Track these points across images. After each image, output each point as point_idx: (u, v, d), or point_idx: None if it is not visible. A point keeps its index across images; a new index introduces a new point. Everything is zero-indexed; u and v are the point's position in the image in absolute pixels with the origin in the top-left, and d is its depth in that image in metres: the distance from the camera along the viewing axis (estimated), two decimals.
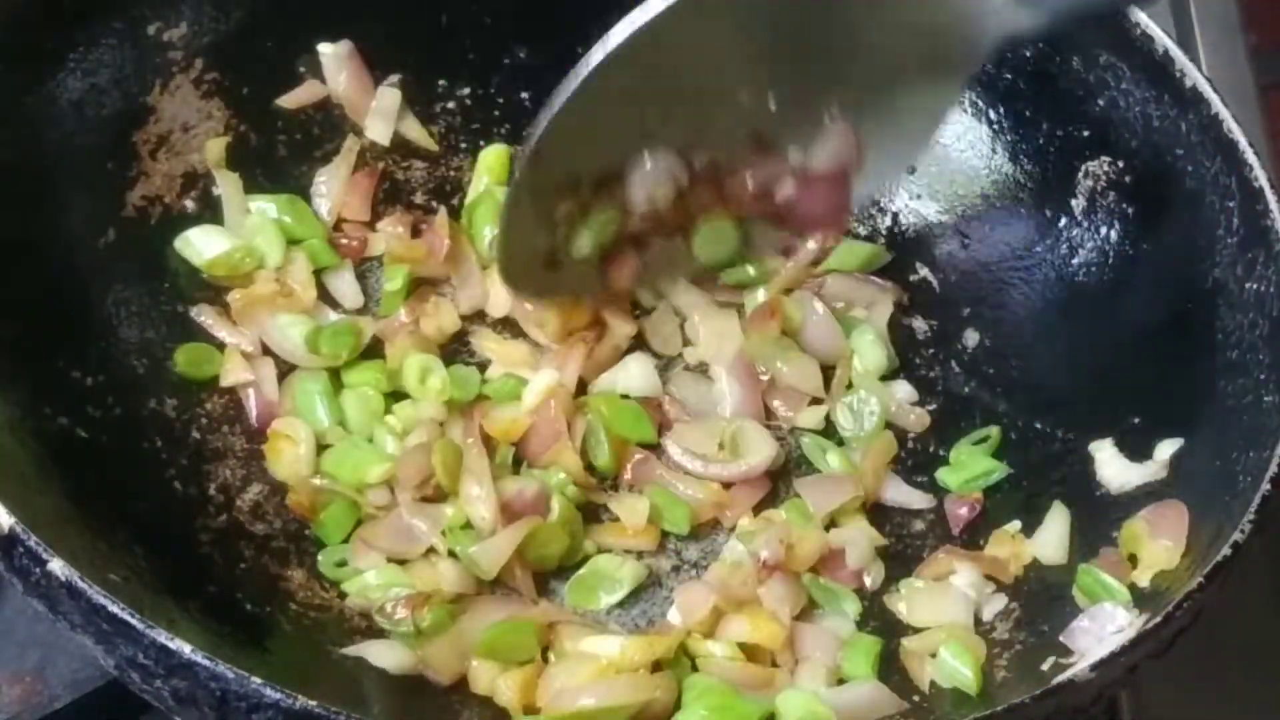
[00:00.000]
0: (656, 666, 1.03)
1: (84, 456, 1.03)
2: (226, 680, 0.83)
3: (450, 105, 1.29)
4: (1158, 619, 0.91)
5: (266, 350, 1.17)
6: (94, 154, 1.14)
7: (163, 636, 0.83)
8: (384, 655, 1.01)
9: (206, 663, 0.83)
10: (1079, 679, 0.89)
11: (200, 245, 1.18)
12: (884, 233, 1.30)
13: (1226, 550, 0.94)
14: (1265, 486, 0.97)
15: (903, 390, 1.23)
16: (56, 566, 0.85)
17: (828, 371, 1.22)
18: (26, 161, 1.09)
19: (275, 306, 1.17)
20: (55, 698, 1.07)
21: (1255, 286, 1.08)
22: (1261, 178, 1.09)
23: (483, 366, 1.17)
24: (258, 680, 0.83)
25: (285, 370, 1.16)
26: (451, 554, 1.07)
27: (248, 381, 1.14)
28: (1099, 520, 1.10)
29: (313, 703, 0.82)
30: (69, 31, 1.13)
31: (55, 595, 0.86)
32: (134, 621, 0.84)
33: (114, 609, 0.84)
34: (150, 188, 1.17)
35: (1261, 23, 1.62)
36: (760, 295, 1.24)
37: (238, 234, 1.20)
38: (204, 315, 1.16)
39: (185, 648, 0.83)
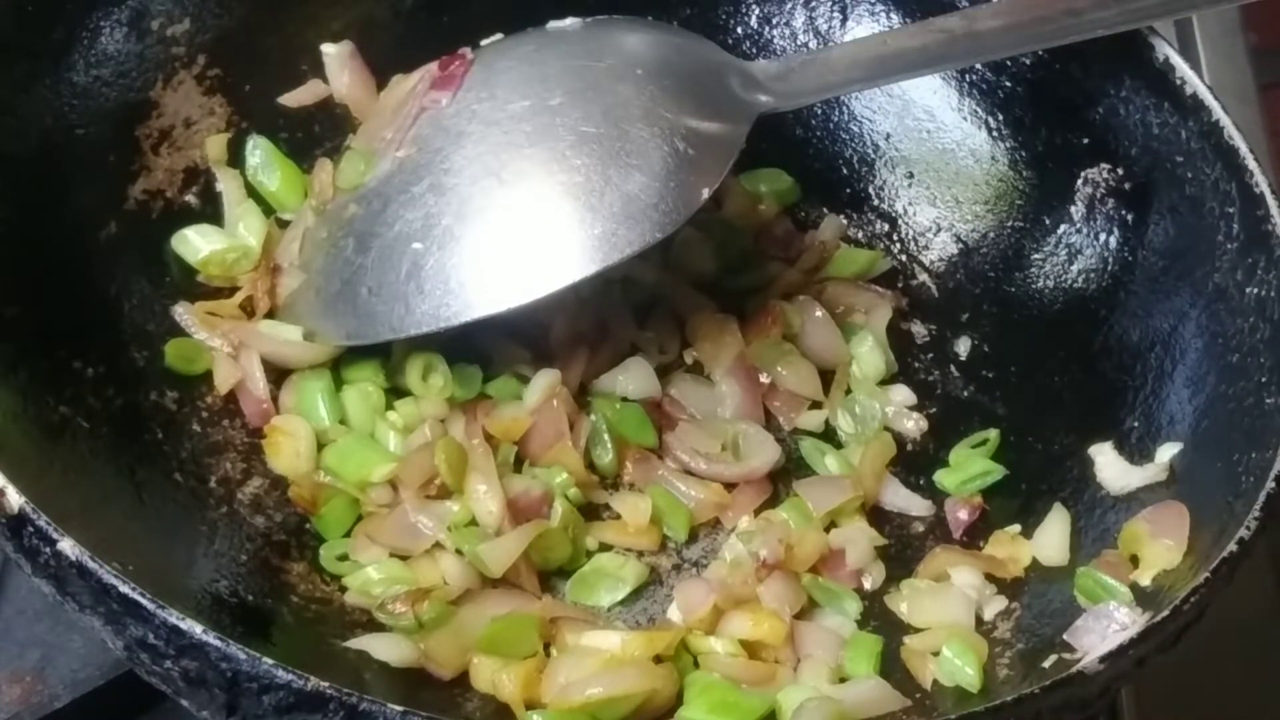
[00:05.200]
0: (658, 662, 1.02)
1: (85, 446, 1.02)
2: (238, 661, 0.82)
3: None
4: (1165, 612, 0.91)
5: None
6: (96, 147, 1.14)
7: (173, 616, 0.83)
8: (386, 649, 1.00)
9: (218, 643, 0.82)
10: (1088, 671, 0.89)
11: (196, 244, 1.18)
12: (883, 238, 1.31)
13: (1233, 546, 0.94)
14: (1270, 484, 0.97)
15: (902, 394, 1.23)
16: (66, 546, 0.85)
17: (827, 376, 1.22)
18: (29, 152, 1.09)
19: (249, 316, 1.17)
20: (55, 698, 1.07)
21: (1256, 291, 1.09)
22: (1262, 183, 1.10)
23: (484, 364, 1.17)
24: (269, 661, 0.82)
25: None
26: (456, 550, 1.07)
27: (238, 382, 1.14)
28: (1100, 522, 1.11)
29: (325, 684, 0.82)
30: (73, 24, 1.13)
31: (64, 575, 0.85)
32: (144, 601, 0.83)
33: (124, 589, 0.83)
34: (152, 182, 1.17)
35: (1261, 23, 1.64)
36: (760, 300, 1.25)
37: (236, 232, 1.19)
38: (184, 314, 1.15)
39: (196, 628, 0.83)
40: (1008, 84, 1.26)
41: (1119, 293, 1.19)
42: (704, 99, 1.16)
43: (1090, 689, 0.90)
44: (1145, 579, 1.03)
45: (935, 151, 1.30)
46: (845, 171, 1.33)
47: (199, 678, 0.84)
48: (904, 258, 1.30)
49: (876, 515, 1.17)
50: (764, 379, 1.21)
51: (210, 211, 1.20)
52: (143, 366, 1.11)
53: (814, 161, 1.34)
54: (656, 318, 1.24)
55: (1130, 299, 1.18)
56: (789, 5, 1.34)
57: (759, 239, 1.30)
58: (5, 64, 1.08)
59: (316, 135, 1.25)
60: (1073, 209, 1.23)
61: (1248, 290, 1.09)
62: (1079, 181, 1.22)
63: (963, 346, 1.26)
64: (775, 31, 1.34)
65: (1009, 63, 1.25)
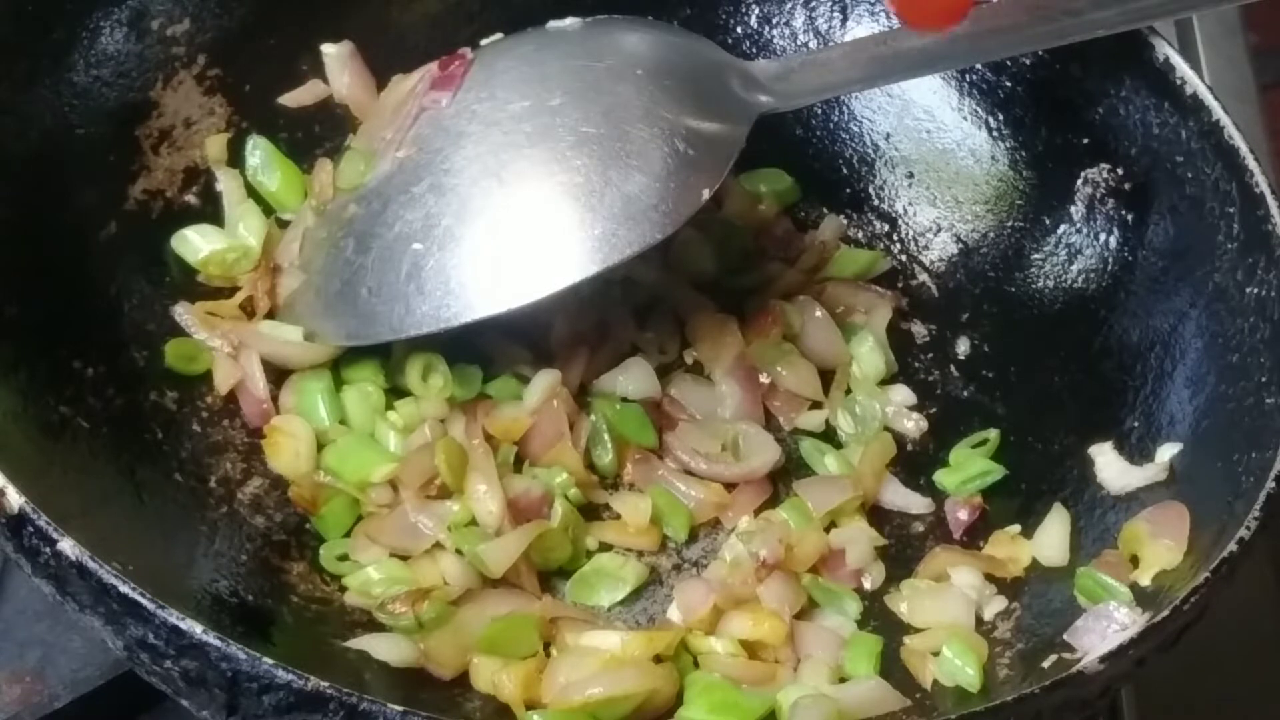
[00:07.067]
0: (658, 662, 1.02)
1: (85, 446, 1.02)
2: (238, 661, 0.82)
3: None
4: (1165, 612, 0.91)
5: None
6: (96, 147, 1.14)
7: (174, 616, 0.83)
8: (386, 649, 1.00)
9: (218, 643, 0.82)
10: (1088, 671, 0.89)
11: (196, 244, 1.18)
12: (883, 238, 1.31)
13: (1233, 546, 0.94)
14: (1270, 484, 0.97)
15: (902, 394, 1.23)
16: (66, 546, 0.85)
17: (827, 376, 1.23)
18: (29, 152, 1.09)
19: (249, 316, 1.17)
20: (55, 698, 1.07)
21: (1256, 291, 1.09)
22: (1262, 183, 1.10)
23: (484, 364, 1.17)
24: (269, 661, 0.82)
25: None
26: (456, 550, 1.07)
27: (238, 382, 1.14)
28: (1100, 522, 1.11)
29: (325, 683, 0.82)
30: (73, 24, 1.13)
31: (65, 575, 0.85)
32: (144, 601, 0.83)
33: (124, 589, 0.83)
34: (152, 182, 1.17)
35: (1261, 23, 1.64)
36: (760, 300, 1.25)
37: (236, 232, 1.19)
38: (184, 314, 1.15)
39: (196, 628, 0.83)
40: (1008, 84, 1.26)
41: (1119, 293, 1.19)
42: (704, 99, 1.16)
43: (1090, 689, 0.90)
44: (1145, 579, 1.03)
45: (935, 151, 1.30)
46: (845, 171, 1.33)
47: (199, 678, 0.84)
48: (904, 258, 1.30)
49: (876, 515, 1.17)
50: (764, 379, 1.21)
51: (210, 211, 1.20)
52: (143, 366, 1.11)
53: (814, 161, 1.34)
54: (656, 318, 1.24)
55: (1130, 299, 1.18)
56: (789, 5, 1.34)
57: (759, 239, 1.30)
58: (5, 64, 1.08)
59: (316, 135, 1.25)
60: (1073, 209, 1.23)
61: (1248, 290, 1.09)
62: (1079, 181, 1.22)
63: (963, 346, 1.26)
64: (775, 31, 1.34)
65: (1009, 63, 1.25)
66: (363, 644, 1.00)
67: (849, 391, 1.23)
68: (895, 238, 1.31)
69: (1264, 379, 1.06)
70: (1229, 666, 1.20)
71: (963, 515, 1.16)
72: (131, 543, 0.96)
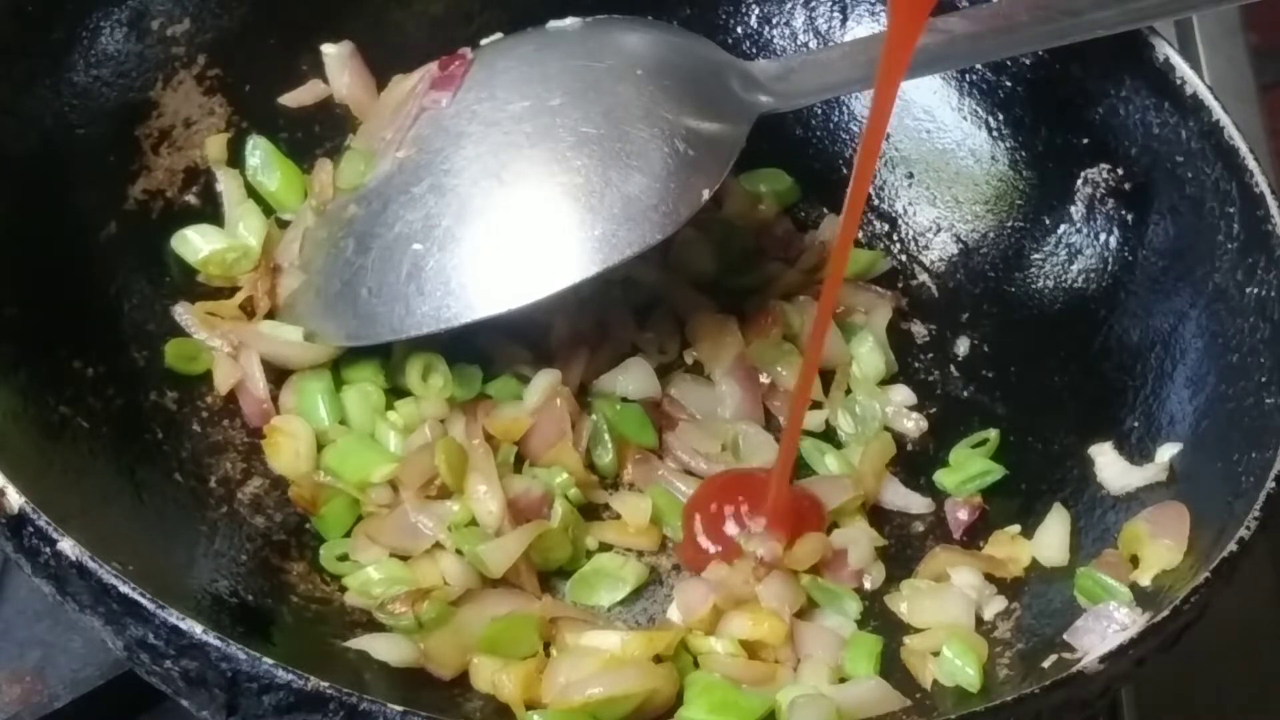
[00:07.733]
0: (658, 662, 1.02)
1: (85, 446, 1.02)
2: (238, 661, 0.82)
3: None
4: (1166, 612, 0.91)
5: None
6: (96, 147, 1.14)
7: (174, 616, 0.83)
8: (386, 649, 1.00)
9: (218, 643, 0.82)
10: (1088, 671, 0.89)
11: (196, 244, 1.18)
12: (883, 238, 1.31)
13: (1233, 546, 0.94)
14: (1270, 484, 0.97)
15: (902, 394, 1.23)
16: (66, 546, 0.85)
17: (827, 376, 1.22)
18: (29, 152, 1.09)
19: (249, 316, 1.17)
20: (55, 698, 1.07)
21: (1256, 291, 1.09)
22: (1262, 183, 1.10)
23: (484, 364, 1.17)
24: (269, 661, 0.82)
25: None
26: (456, 550, 1.07)
27: (238, 382, 1.14)
28: (1100, 522, 1.11)
29: (325, 684, 0.82)
30: (73, 24, 1.13)
31: (64, 575, 0.85)
32: (144, 601, 0.83)
33: (125, 589, 0.83)
34: (152, 182, 1.17)
35: (1261, 23, 1.64)
36: (760, 300, 1.25)
37: (236, 232, 1.19)
38: (184, 314, 1.15)
39: (196, 628, 0.83)
40: (1008, 84, 1.26)
41: (1119, 293, 1.19)
42: (704, 99, 1.16)
43: (1090, 689, 0.90)
44: (1145, 579, 1.03)
45: (935, 151, 1.30)
46: (845, 171, 1.32)
47: (199, 678, 0.84)
48: (904, 258, 1.30)
49: (876, 515, 1.17)
50: (764, 379, 1.21)
51: (210, 211, 1.20)
52: (143, 366, 1.11)
53: (814, 161, 1.34)
54: (656, 318, 1.24)
55: (1130, 299, 1.18)
56: (789, 5, 1.34)
57: (759, 239, 1.30)
58: (5, 64, 1.08)
59: (316, 135, 1.25)
60: (1073, 209, 1.23)
61: (1248, 290, 1.09)
62: (1079, 181, 1.22)
63: (963, 346, 1.26)
64: (775, 31, 1.34)
65: (1009, 63, 1.25)
66: (363, 644, 1.00)
67: (849, 391, 1.23)
68: (895, 238, 1.31)
69: (1264, 379, 1.06)
70: (1229, 666, 1.20)
71: (963, 515, 1.16)
72: (131, 543, 0.96)
